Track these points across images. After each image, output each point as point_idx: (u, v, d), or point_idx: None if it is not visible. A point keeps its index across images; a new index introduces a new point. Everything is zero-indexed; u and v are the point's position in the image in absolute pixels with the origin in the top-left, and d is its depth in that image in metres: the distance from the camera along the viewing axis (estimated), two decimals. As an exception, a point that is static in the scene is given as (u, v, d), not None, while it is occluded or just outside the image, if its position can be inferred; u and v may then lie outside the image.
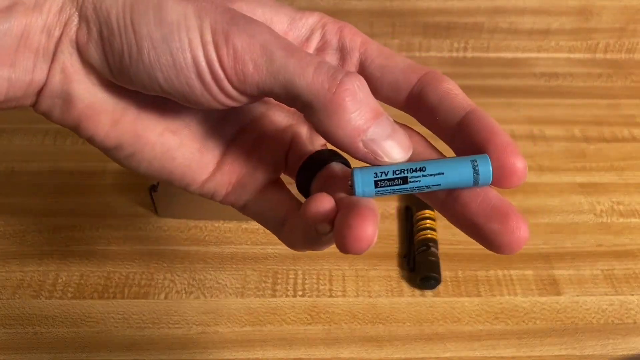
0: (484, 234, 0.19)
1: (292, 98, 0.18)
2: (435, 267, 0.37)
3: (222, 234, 0.40)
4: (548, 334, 0.35)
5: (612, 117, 0.51)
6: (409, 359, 0.34)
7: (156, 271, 0.38)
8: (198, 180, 0.23)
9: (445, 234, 0.40)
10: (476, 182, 0.18)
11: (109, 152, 0.22)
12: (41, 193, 0.43)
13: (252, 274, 0.38)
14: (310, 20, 0.22)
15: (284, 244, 0.27)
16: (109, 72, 0.19)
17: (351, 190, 0.19)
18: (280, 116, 0.23)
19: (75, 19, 0.19)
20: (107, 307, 0.36)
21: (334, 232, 0.18)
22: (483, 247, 0.40)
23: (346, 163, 0.22)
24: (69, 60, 0.19)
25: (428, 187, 0.19)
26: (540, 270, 0.38)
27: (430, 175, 0.18)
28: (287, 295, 0.37)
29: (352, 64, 0.22)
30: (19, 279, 0.37)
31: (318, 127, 0.18)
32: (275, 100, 0.19)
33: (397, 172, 0.18)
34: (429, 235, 0.38)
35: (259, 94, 0.19)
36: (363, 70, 0.22)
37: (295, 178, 0.23)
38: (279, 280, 0.37)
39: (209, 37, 0.18)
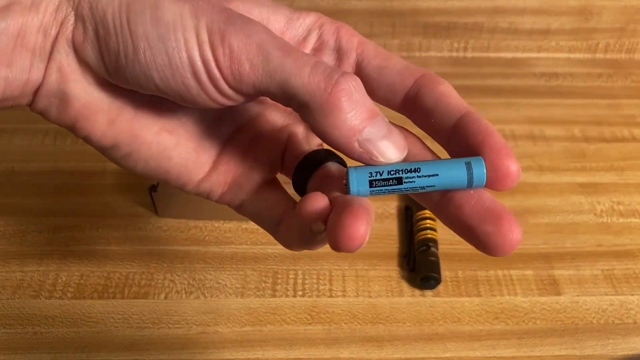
0: (478, 235, 0.19)
1: (288, 98, 0.18)
2: (435, 267, 0.37)
3: (222, 234, 0.40)
4: (548, 334, 0.35)
5: (612, 117, 0.51)
6: (409, 359, 0.34)
7: (156, 271, 0.38)
8: (194, 179, 0.23)
9: (445, 234, 0.40)
10: (470, 184, 0.19)
11: (105, 151, 0.22)
12: (41, 193, 0.43)
13: (252, 274, 0.38)
14: (307, 20, 0.22)
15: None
16: (105, 72, 0.19)
17: (346, 190, 0.19)
18: (277, 116, 0.23)
19: (71, 19, 0.19)
20: (107, 307, 0.36)
21: (327, 230, 0.18)
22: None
23: (342, 163, 0.22)
24: (66, 59, 0.19)
25: (422, 187, 0.19)
26: (540, 270, 0.38)
27: (425, 176, 0.18)
28: (287, 295, 0.37)
29: (349, 64, 0.22)
30: (18, 279, 0.37)
31: (314, 127, 0.18)
32: (272, 99, 0.19)
33: (392, 173, 0.18)
34: (429, 235, 0.38)
35: (255, 94, 0.19)
36: (360, 71, 0.22)
37: (291, 177, 0.23)
38: (279, 280, 0.37)
39: (205, 37, 0.18)
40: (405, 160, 0.19)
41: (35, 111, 0.20)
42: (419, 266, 0.37)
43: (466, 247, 0.40)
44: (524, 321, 0.35)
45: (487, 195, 0.19)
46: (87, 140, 0.21)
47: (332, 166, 0.22)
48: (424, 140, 0.21)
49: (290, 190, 0.23)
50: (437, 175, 0.18)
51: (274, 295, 0.37)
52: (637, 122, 0.51)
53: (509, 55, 0.58)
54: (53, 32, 0.19)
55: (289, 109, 0.22)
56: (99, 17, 0.18)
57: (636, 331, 0.35)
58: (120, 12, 0.18)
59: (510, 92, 0.54)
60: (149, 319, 0.35)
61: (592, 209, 0.43)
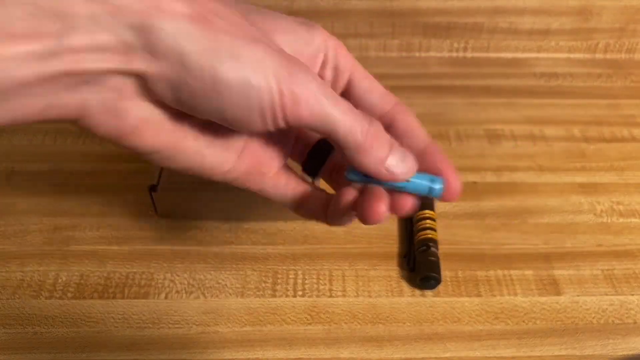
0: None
1: (329, 135, 0.23)
2: (435, 267, 0.37)
3: (222, 234, 0.40)
4: (548, 334, 0.35)
5: (612, 117, 0.51)
6: (409, 359, 0.34)
7: (156, 271, 0.38)
8: (223, 170, 0.26)
9: (445, 234, 0.40)
10: (429, 194, 0.26)
11: (144, 155, 0.23)
12: (41, 193, 0.43)
13: (252, 274, 0.38)
14: (317, 40, 0.26)
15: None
16: (173, 102, 0.21)
17: (345, 176, 0.26)
18: None
19: (144, 54, 0.20)
20: (107, 307, 0.36)
21: (358, 209, 0.25)
22: (483, 248, 0.41)
23: None
24: (131, 86, 0.20)
25: (394, 186, 0.25)
26: (540, 270, 0.38)
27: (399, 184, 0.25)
28: (287, 295, 0.37)
29: (343, 82, 0.27)
30: (19, 279, 0.37)
31: (350, 158, 0.24)
32: (311, 131, 0.24)
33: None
34: (429, 235, 0.38)
35: (301, 127, 0.24)
36: (349, 88, 0.27)
37: (302, 161, 0.30)
38: (279, 280, 0.37)
39: (274, 85, 0.21)
40: None
41: (81, 126, 0.21)
42: (419, 266, 0.37)
43: (466, 247, 0.40)
44: (523, 321, 0.35)
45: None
46: (127, 148, 0.22)
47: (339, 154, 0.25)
48: None
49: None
50: (409, 181, 0.25)
51: (274, 295, 0.37)
52: (637, 122, 0.51)
53: (508, 55, 0.59)
54: (122, 64, 0.20)
55: None
56: (178, 56, 0.20)
57: (636, 331, 0.35)
58: (203, 53, 0.20)
59: (510, 92, 0.54)
60: (149, 319, 0.35)
61: (592, 209, 0.43)
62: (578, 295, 0.37)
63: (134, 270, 0.38)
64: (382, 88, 0.27)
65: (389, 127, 0.26)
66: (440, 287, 0.37)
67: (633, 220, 0.42)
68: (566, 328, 0.35)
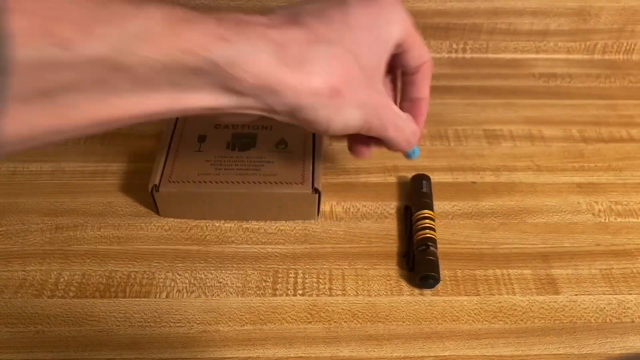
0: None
1: (380, 138, 0.33)
2: (434, 267, 0.37)
3: (223, 234, 0.40)
4: (546, 333, 0.35)
5: (610, 117, 0.52)
6: (408, 358, 0.34)
7: (157, 270, 0.38)
8: None
9: (444, 233, 0.41)
10: (408, 157, 0.38)
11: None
12: (43, 193, 0.43)
13: (252, 273, 0.38)
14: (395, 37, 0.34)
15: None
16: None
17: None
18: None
19: (286, 117, 0.29)
20: (108, 306, 0.36)
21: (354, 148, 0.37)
22: (482, 247, 0.41)
23: None
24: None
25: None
26: (538, 269, 0.39)
27: None
28: (287, 295, 0.37)
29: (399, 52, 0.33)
30: (21, 278, 0.37)
31: (388, 147, 0.34)
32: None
33: None
34: (428, 235, 0.38)
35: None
36: (401, 53, 0.32)
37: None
38: (279, 280, 0.38)
39: (364, 125, 0.31)
40: None
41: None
42: (418, 265, 0.37)
43: (465, 247, 0.40)
44: (522, 320, 0.36)
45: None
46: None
47: None
48: None
49: None
50: None
51: (274, 295, 0.37)
52: (635, 123, 0.51)
53: (507, 56, 0.59)
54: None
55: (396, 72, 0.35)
56: (308, 120, 0.28)
57: (634, 330, 0.35)
58: (326, 118, 0.28)
59: (508, 93, 0.54)
60: (150, 318, 0.35)
61: (590, 208, 0.43)
62: (576, 295, 0.37)
63: (135, 269, 0.38)
64: (425, 55, 0.33)
65: (412, 74, 0.34)
66: (439, 286, 0.37)
67: (631, 220, 0.42)
68: (564, 327, 0.35)
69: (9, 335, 0.34)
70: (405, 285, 0.37)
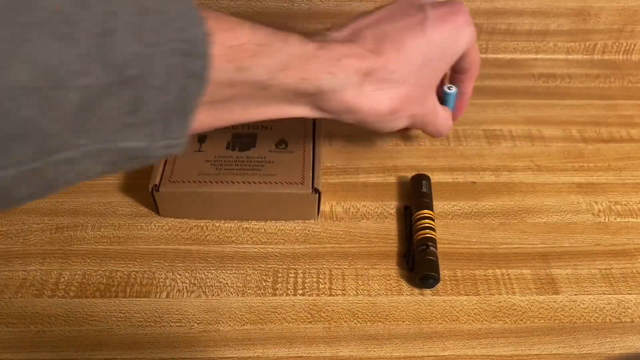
0: None
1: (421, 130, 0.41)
2: (434, 266, 0.37)
3: (223, 234, 0.40)
4: (546, 333, 0.35)
5: (610, 117, 0.52)
6: (408, 357, 0.34)
7: (158, 270, 0.38)
8: None
9: (444, 233, 0.41)
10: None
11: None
12: (43, 193, 0.43)
13: (252, 273, 0.38)
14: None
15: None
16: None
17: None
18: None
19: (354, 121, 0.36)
20: (109, 306, 0.36)
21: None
22: (481, 247, 0.41)
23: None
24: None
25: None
26: (538, 269, 0.39)
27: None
28: (287, 294, 0.37)
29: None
30: (21, 278, 0.37)
31: (426, 133, 0.41)
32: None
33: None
34: (428, 235, 0.39)
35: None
36: (463, 58, 0.39)
37: None
38: (279, 279, 0.38)
39: (410, 125, 0.38)
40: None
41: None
42: (418, 265, 0.37)
43: (465, 247, 0.40)
44: (522, 320, 0.36)
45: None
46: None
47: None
48: None
49: None
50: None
51: (274, 294, 0.37)
52: (635, 123, 0.51)
53: (507, 56, 0.59)
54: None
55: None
56: (368, 126, 0.36)
57: (633, 330, 0.35)
58: (383, 126, 0.36)
59: (508, 93, 0.54)
60: (150, 318, 0.35)
61: (590, 208, 0.43)
62: (576, 294, 0.37)
63: (136, 269, 0.38)
64: (477, 59, 0.40)
65: (462, 73, 0.41)
66: (439, 286, 0.37)
67: (631, 220, 0.42)
68: (564, 327, 0.35)
69: (10, 335, 0.35)
70: (405, 285, 0.38)
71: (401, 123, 0.37)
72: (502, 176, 0.45)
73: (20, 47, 0.18)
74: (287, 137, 0.43)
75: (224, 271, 0.38)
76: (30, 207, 0.42)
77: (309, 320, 0.36)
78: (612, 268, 0.39)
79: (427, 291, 0.37)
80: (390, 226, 0.41)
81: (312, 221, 0.42)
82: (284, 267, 0.38)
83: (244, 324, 0.35)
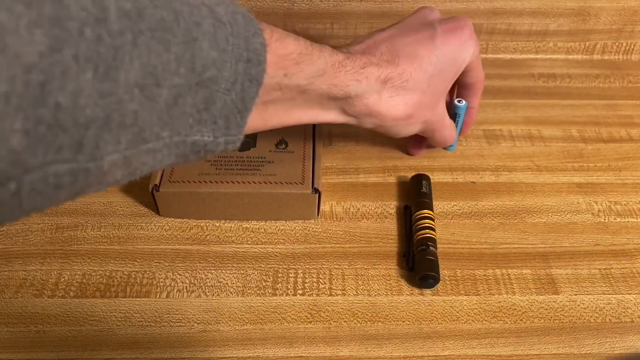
0: None
1: (427, 138, 0.43)
2: (434, 266, 0.37)
3: (223, 234, 0.41)
4: (546, 333, 0.35)
5: (610, 117, 0.52)
6: (408, 357, 0.34)
7: (158, 270, 0.38)
8: None
9: (444, 233, 0.41)
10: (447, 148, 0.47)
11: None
12: (43, 193, 0.43)
13: (252, 273, 0.38)
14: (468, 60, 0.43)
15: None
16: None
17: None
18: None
19: (371, 127, 0.39)
20: (109, 306, 0.36)
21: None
22: (482, 247, 0.41)
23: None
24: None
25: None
26: (538, 269, 0.39)
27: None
28: (287, 294, 0.37)
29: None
30: (21, 278, 0.37)
31: (431, 143, 0.44)
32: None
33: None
34: (428, 235, 0.39)
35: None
36: (465, 73, 0.42)
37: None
38: (279, 279, 0.38)
39: (421, 131, 0.41)
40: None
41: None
42: (418, 265, 0.37)
43: (465, 247, 0.40)
44: (522, 320, 0.36)
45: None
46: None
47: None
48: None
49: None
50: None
51: (274, 294, 0.37)
52: (634, 123, 0.51)
53: (507, 56, 0.59)
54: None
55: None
56: (384, 131, 0.39)
57: (633, 330, 0.35)
58: (398, 132, 0.39)
59: (508, 93, 0.54)
60: (150, 318, 0.35)
61: (590, 208, 0.43)
62: (576, 294, 0.37)
63: (136, 269, 0.38)
64: (481, 75, 0.43)
65: (467, 89, 0.43)
66: (439, 286, 0.37)
67: (630, 219, 0.42)
68: (564, 327, 0.36)
69: (10, 335, 0.35)
70: (405, 285, 0.38)
71: (414, 128, 0.40)
72: (502, 176, 0.45)
73: (133, 49, 0.21)
74: (287, 137, 0.43)
75: (224, 271, 0.38)
76: (30, 207, 0.42)
77: (309, 320, 0.36)
78: (612, 268, 0.39)
79: (427, 291, 0.37)
80: (390, 226, 0.41)
81: (312, 221, 0.42)
82: (284, 267, 0.38)
83: (244, 324, 0.35)
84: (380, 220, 0.42)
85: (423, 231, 0.39)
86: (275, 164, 0.41)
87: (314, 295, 0.37)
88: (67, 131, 0.20)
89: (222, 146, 0.27)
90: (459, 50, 0.39)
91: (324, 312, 0.36)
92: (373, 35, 0.38)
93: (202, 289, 0.37)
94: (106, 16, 0.20)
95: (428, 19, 0.40)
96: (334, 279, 0.38)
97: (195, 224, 0.41)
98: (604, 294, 0.37)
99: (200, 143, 0.26)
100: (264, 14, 0.55)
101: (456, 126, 0.44)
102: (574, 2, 0.55)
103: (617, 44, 0.58)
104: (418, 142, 0.46)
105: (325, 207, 0.43)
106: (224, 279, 0.38)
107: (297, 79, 0.31)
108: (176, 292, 0.37)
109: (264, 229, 0.41)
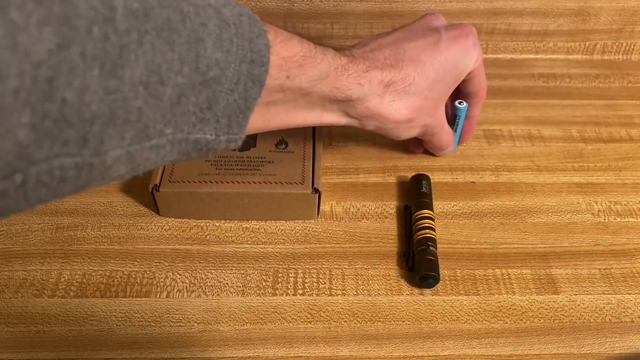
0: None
1: (425, 141, 0.45)
2: (434, 266, 0.37)
3: (223, 234, 0.41)
4: (546, 333, 0.35)
5: (610, 117, 0.52)
6: (408, 357, 0.34)
7: (158, 270, 0.38)
8: None
9: (444, 233, 0.41)
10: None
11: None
12: (43, 193, 0.43)
13: (252, 273, 0.38)
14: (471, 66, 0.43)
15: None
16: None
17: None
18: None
19: (372, 128, 0.39)
20: (109, 306, 0.36)
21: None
22: (481, 247, 0.41)
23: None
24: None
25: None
26: (538, 269, 0.39)
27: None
28: (287, 294, 0.37)
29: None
30: (22, 278, 0.37)
31: (428, 148, 0.46)
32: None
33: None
34: (428, 235, 0.39)
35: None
36: (468, 80, 0.42)
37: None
38: (279, 279, 0.38)
39: (420, 135, 0.42)
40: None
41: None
42: (418, 265, 0.37)
43: (464, 247, 0.40)
44: (522, 319, 0.36)
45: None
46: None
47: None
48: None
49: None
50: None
51: (274, 294, 0.37)
52: (634, 123, 0.51)
53: (507, 56, 0.59)
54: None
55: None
56: (385, 133, 0.40)
57: (633, 330, 0.35)
58: (399, 134, 0.40)
59: (508, 93, 0.54)
60: (150, 318, 0.35)
61: (590, 208, 0.43)
62: (575, 294, 0.37)
63: (136, 269, 0.38)
64: (484, 84, 0.43)
65: (469, 97, 0.43)
66: (439, 286, 0.37)
67: (630, 219, 0.42)
68: (564, 326, 0.36)
69: (10, 335, 0.35)
70: (405, 285, 0.38)
71: (414, 132, 0.40)
72: (502, 176, 0.45)
73: (139, 48, 0.21)
74: (287, 137, 0.43)
75: (224, 271, 0.38)
76: (30, 207, 0.42)
77: (309, 320, 0.36)
78: (611, 268, 0.39)
79: (427, 291, 0.37)
80: (390, 226, 0.41)
81: (312, 221, 0.42)
82: (284, 267, 0.38)
83: (244, 324, 0.35)
84: (380, 220, 0.42)
85: (423, 231, 0.39)
86: (275, 164, 0.41)
87: (314, 295, 0.37)
88: (73, 126, 0.20)
89: (223, 144, 0.28)
90: (461, 57, 0.39)
91: (324, 312, 0.36)
92: (377, 39, 0.39)
93: (202, 289, 0.37)
94: (114, 15, 0.20)
95: (433, 24, 0.40)
96: (334, 279, 0.38)
97: (195, 224, 0.41)
98: (603, 294, 0.37)
99: (202, 141, 0.27)
100: (264, 14, 0.55)
101: (456, 127, 0.44)
102: (574, 2, 0.55)
103: (617, 44, 0.58)
104: (418, 140, 0.46)
105: (325, 207, 0.43)
106: (224, 279, 0.38)
107: (300, 81, 0.31)
108: (176, 292, 0.37)
109: (264, 229, 0.41)
